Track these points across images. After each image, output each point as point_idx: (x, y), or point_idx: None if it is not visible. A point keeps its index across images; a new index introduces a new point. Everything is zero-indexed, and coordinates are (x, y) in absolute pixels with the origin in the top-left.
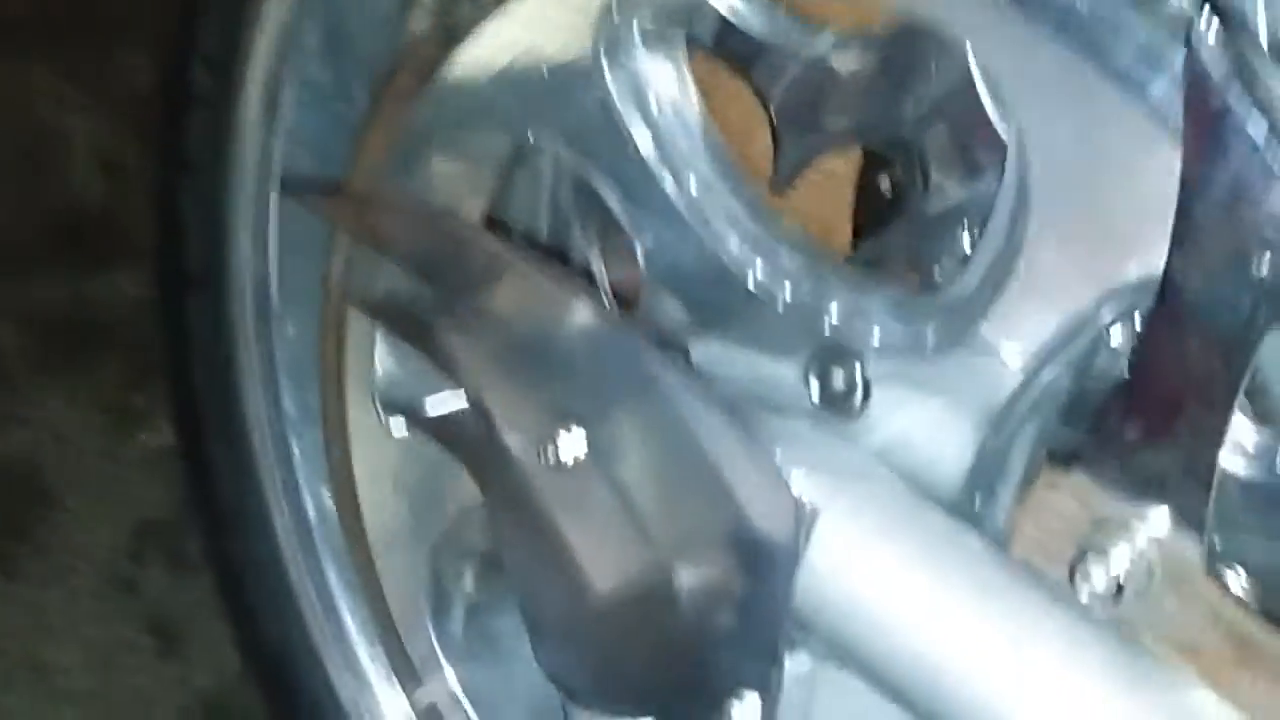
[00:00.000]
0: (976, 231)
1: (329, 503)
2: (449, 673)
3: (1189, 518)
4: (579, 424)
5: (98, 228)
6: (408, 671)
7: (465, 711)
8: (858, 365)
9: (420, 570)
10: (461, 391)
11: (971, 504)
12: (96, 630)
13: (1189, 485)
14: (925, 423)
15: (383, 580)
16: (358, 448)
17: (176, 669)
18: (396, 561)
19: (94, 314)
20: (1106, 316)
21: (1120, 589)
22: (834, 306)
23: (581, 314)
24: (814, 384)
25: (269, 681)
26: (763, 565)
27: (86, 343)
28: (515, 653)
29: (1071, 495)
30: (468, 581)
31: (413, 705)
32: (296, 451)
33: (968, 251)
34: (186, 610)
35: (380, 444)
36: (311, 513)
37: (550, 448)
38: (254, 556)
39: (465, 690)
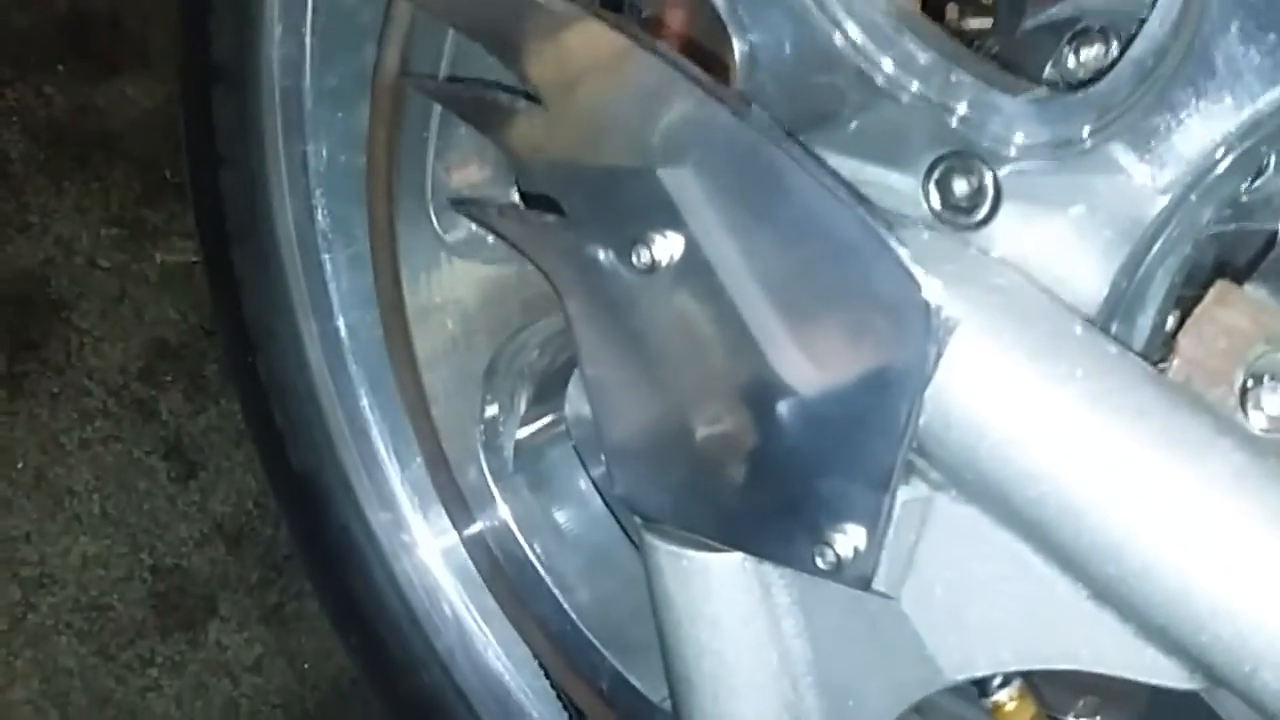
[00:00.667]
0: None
1: (363, 322)
2: (500, 504)
3: None
4: (674, 226)
5: (105, 33)
6: (457, 501)
7: (517, 542)
8: (987, 171)
9: (471, 394)
10: (537, 186)
11: (1108, 328)
12: (109, 453)
13: None
14: (1056, 240)
15: (431, 406)
16: (407, 261)
17: (193, 495)
18: (447, 385)
19: (103, 123)
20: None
21: None
22: (965, 104)
23: (683, 88)
24: (933, 191)
25: (294, 509)
26: (887, 380)
27: (95, 153)
28: (569, 484)
29: (1242, 311)
30: (522, 406)
31: (460, 535)
32: (329, 267)
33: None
34: (203, 434)
35: (432, 256)
36: (344, 332)
37: (642, 250)
38: (281, 379)
39: (516, 522)
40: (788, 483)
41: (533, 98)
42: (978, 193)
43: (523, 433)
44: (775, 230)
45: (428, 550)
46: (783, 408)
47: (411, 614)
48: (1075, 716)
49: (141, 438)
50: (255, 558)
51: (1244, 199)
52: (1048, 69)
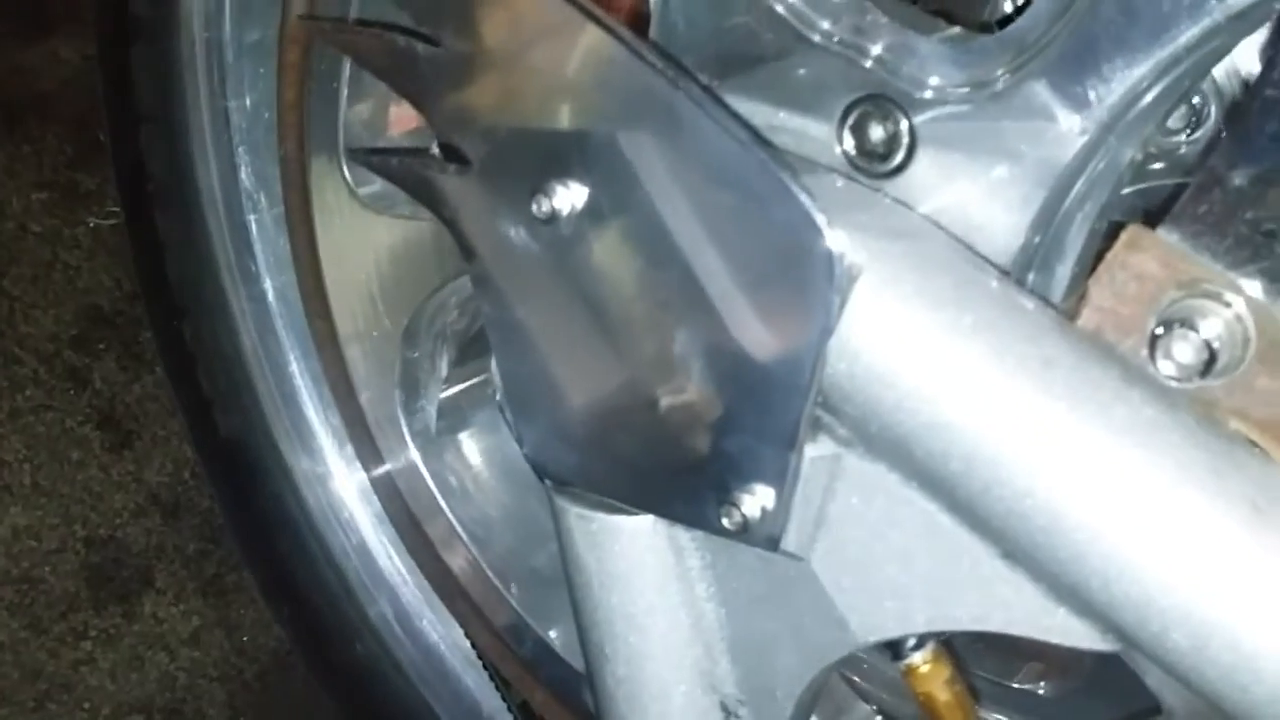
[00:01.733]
0: None
1: (290, 285)
2: (422, 468)
3: None
4: (575, 175)
5: None
6: (378, 466)
7: (439, 507)
8: (902, 117)
9: (390, 356)
10: (442, 135)
11: (1025, 278)
12: (41, 423)
13: None
14: (972, 186)
15: (350, 369)
16: (321, 217)
17: (127, 465)
18: (365, 347)
19: (34, 84)
20: (1191, 62)
21: (1208, 363)
22: (880, 46)
23: (582, 28)
24: (848, 137)
25: (222, 478)
26: (791, 332)
27: (26, 114)
28: (495, 448)
29: (1155, 257)
30: (442, 368)
31: (383, 501)
32: (254, 229)
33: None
34: (138, 403)
35: (346, 212)
36: (271, 296)
37: (543, 199)
38: (208, 344)
39: (438, 486)
40: (693, 441)
41: (430, 40)
42: (893, 139)
43: (446, 395)
44: (677, 178)
45: (361, 518)
46: (686, 363)
47: (345, 583)
48: (1018, 683)
49: (74, 407)
50: (192, 529)
51: (1183, 150)
52: (985, 12)
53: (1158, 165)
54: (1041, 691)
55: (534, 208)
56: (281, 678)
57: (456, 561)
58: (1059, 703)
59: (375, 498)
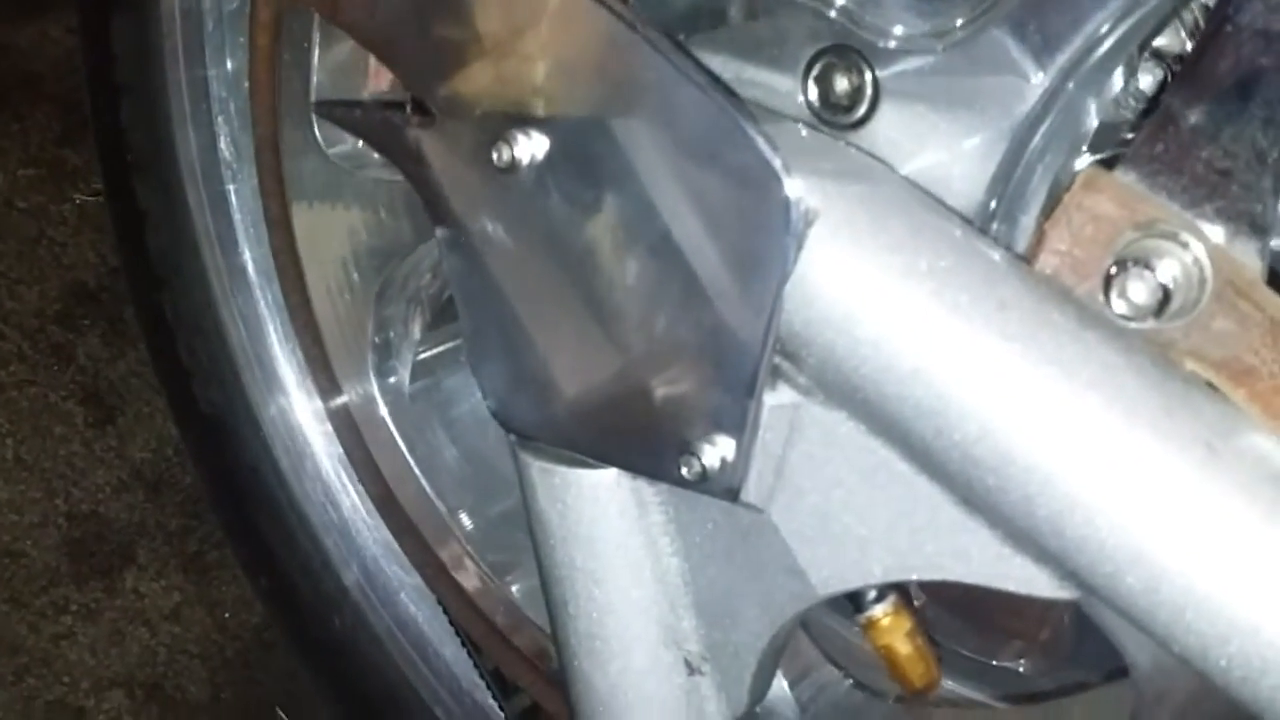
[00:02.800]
0: None
1: (269, 258)
2: (395, 433)
3: (1251, 220)
4: (536, 123)
5: None
6: (351, 432)
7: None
8: (866, 68)
9: (364, 320)
10: (408, 85)
11: (988, 228)
12: (24, 398)
13: (1254, 180)
14: (935, 137)
15: (323, 334)
16: (291, 179)
17: (110, 440)
18: (338, 311)
19: (24, 63)
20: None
21: (1164, 303)
22: None
23: None
24: (812, 89)
25: (202, 451)
26: (746, 278)
27: (15, 93)
28: (468, 411)
29: (1111, 197)
30: (416, 331)
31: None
32: (234, 199)
33: None
34: (122, 379)
35: (317, 173)
36: (251, 267)
37: (503, 147)
38: (187, 316)
39: (410, 451)
40: (652, 391)
41: None
42: (857, 91)
43: (419, 358)
44: (637, 125)
45: (340, 489)
46: (645, 313)
47: (324, 556)
48: (999, 661)
49: (58, 382)
50: (175, 505)
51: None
52: None
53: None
54: (1022, 669)
55: (494, 157)
56: (263, 655)
57: (431, 532)
58: (1040, 680)
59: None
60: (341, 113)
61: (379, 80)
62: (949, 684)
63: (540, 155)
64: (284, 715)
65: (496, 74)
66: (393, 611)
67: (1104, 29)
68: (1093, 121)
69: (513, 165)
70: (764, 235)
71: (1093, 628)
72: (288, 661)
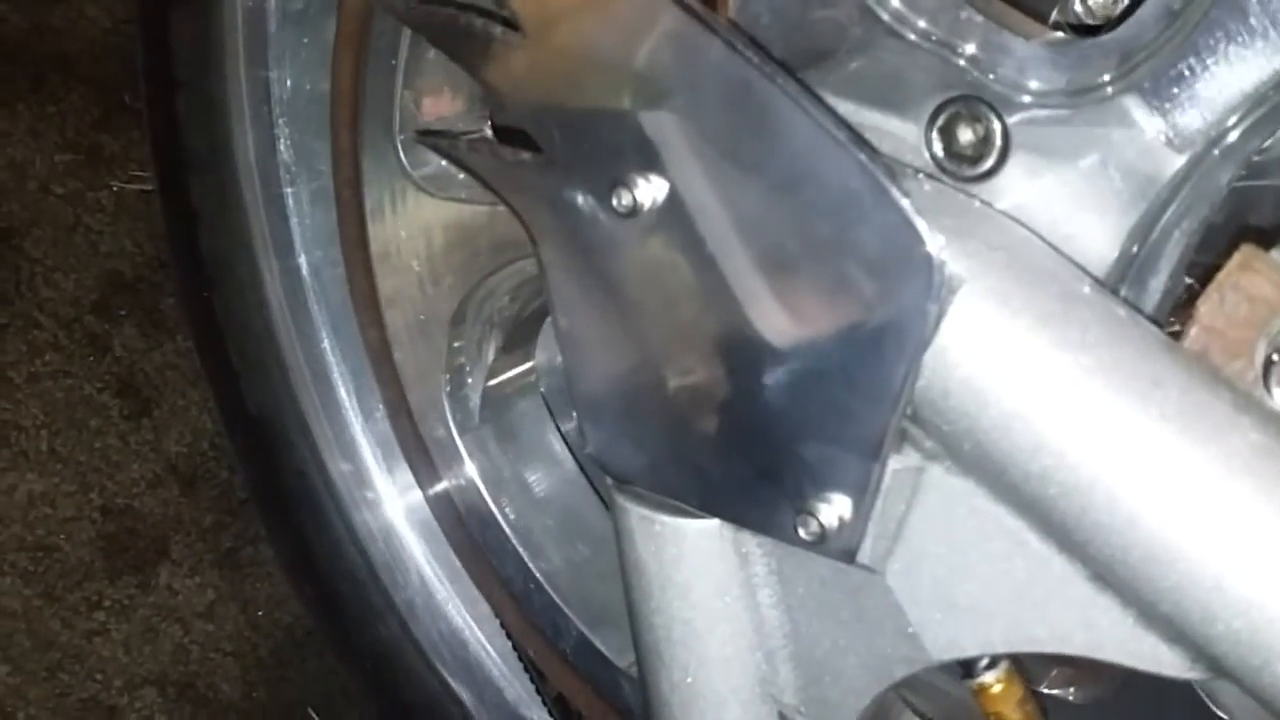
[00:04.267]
0: None
1: (326, 260)
2: (465, 457)
3: None
4: (658, 168)
5: None
6: (420, 453)
7: (483, 498)
8: (995, 119)
9: (437, 341)
10: (514, 121)
11: (1116, 292)
12: (59, 389)
13: None
14: (1066, 195)
15: (394, 351)
16: (371, 195)
17: (146, 434)
18: (411, 330)
19: (60, 44)
20: None
21: None
22: (974, 45)
23: (673, 17)
24: (936, 140)
25: (249, 453)
26: (883, 340)
27: (51, 75)
28: (537, 439)
29: (1269, 279)
30: (490, 354)
31: (423, 489)
32: (291, 202)
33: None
34: (158, 371)
35: (398, 191)
36: (305, 271)
37: (623, 192)
38: (238, 317)
39: (481, 476)
40: (770, 447)
41: (511, 24)
42: (984, 141)
43: (491, 383)
44: (767, 174)
45: (390, 502)
46: (768, 366)
47: (370, 566)
48: (1048, 688)
49: (93, 373)
50: (210, 500)
51: (1256, 158)
52: (1053, 14)
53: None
54: (1071, 697)
55: (613, 200)
56: (296, 654)
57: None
58: (1090, 709)
59: (406, 486)
60: (445, 144)
61: (466, 102)
62: None
63: (661, 200)
64: (315, 716)
65: (616, 115)
66: (440, 624)
67: (1252, 101)
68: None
69: (633, 209)
70: (904, 298)
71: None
72: (321, 661)
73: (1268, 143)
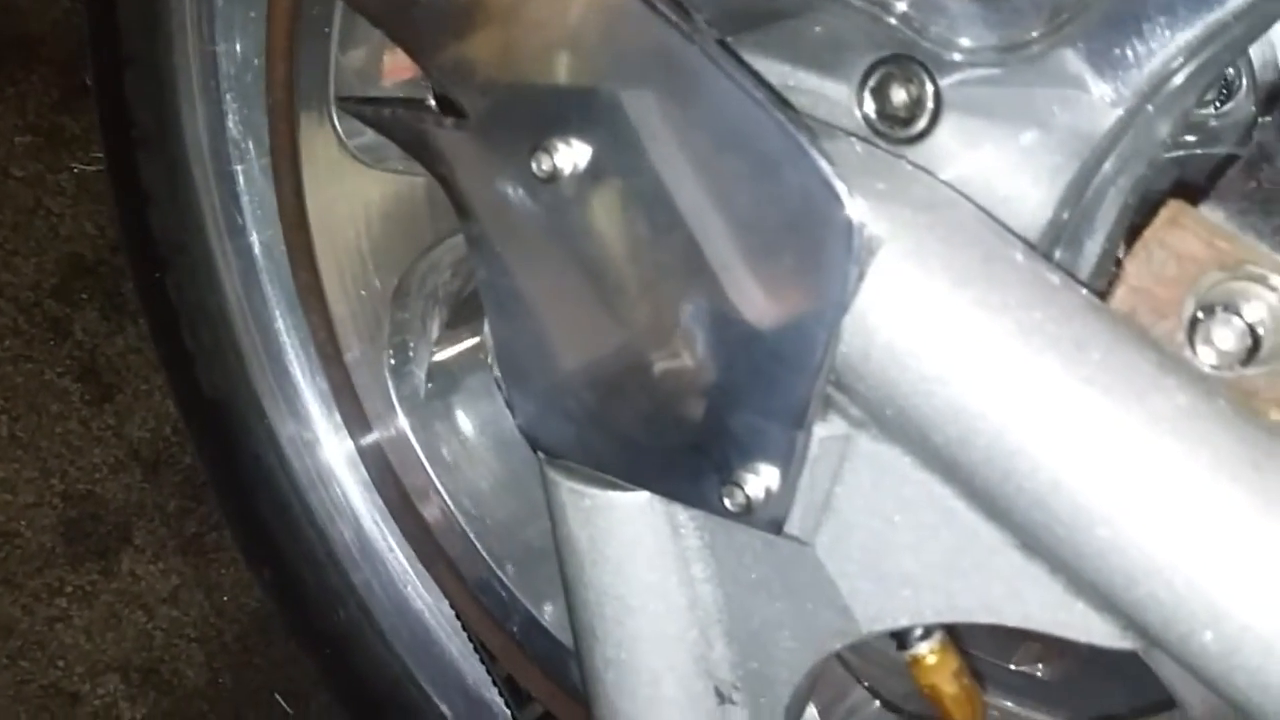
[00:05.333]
0: None
1: (278, 239)
2: (410, 434)
3: None
4: (580, 132)
5: None
6: (362, 429)
7: (428, 476)
8: (927, 79)
9: (380, 316)
10: (440, 86)
11: (1051, 254)
12: (19, 373)
13: None
14: (999, 156)
15: (337, 327)
16: (309, 168)
17: (108, 418)
18: (353, 306)
19: (22, 25)
20: (1239, 30)
21: (1251, 350)
22: (905, 3)
23: None
24: (869, 100)
25: (205, 436)
26: (804, 305)
27: (12, 56)
28: (486, 414)
29: (1197, 235)
30: (433, 331)
31: (368, 467)
32: (241, 179)
33: None
34: (120, 356)
35: (336, 163)
36: (257, 250)
37: (544, 156)
38: (191, 299)
39: (426, 454)
40: (695, 417)
41: None
42: (916, 103)
43: (436, 359)
44: (687, 138)
45: (347, 482)
46: (690, 334)
47: (329, 548)
48: (1015, 664)
49: (54, 358)
50: (173, 485)
51: (1213, 123)
52: None
53: (1186, 137)
54: (1039, 674)
55: (534, 165)
56: (262, 639)
57: (444, 534)
58: (1058, 685)
59: (361, 463)
60: (370, 111)
61: (399, 73)
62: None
63: (582, 165)
64: (282, 700)
65: (537, 78)
66: (398, 605)
67: (1187, 52)
68: (1169, 148)
69: (553, 175)
70: (822, 261)
71: None
72: (286, 646)
73: (1215, 109)
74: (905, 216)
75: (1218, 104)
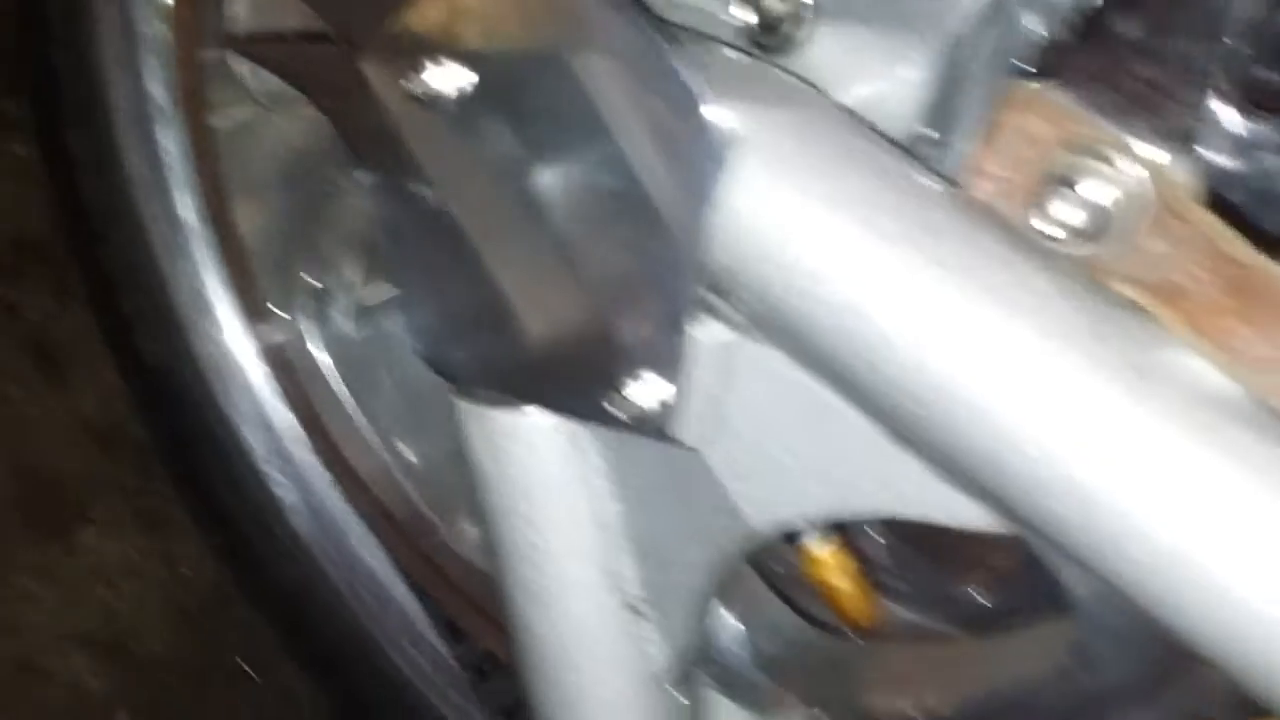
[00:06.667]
0: None
1: (203, 203)
2: (336, 380)
3: (1185, 137)
4: (452, 51)
5: None
6: (289, 378)
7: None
8: None
9: (300, 266)
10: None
11: (927, 153)
12: None
13: (1190, 95)
14: (875, 59)
15: (259, 280)
16: (217, 117)
17: (60, 396)
18: (275, 257)
19: None
20: None
21: (1096, 226)
22: None
23: None
24: (744, 10)
25: (149, 405)
26: (669, 208)
27: None
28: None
29: (1043, 115)
30: (358, 276)
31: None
32: (166, 146)
33: None
34: (70, 334)
35: (244, 111)
36: (185, 215)
37: (422, 79)
38: (126, 267)
39: (359, 401)
40: (580, 329)
41: None
42: (793, 15)
43: (364, 304)
44: (559, 53)
45: (290, 440)
46: (570, 245)
47: (277, 508)
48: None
49: (5, 337)
50: (130, 460)
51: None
52: None
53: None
54: (977, 595)
55: (413, 89)
56: (224, 609)
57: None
58: (997, 607)
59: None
60: (259, 48)
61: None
62: (906, 614)
63: (458, 86)
64: (246, 666)
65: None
66: (347, 558)
67: None
68: (1033, 39)
69: (434, 99)
70: (684, 162)
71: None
72: (249, 614)
73: None
74: (762, 115)
75: None
